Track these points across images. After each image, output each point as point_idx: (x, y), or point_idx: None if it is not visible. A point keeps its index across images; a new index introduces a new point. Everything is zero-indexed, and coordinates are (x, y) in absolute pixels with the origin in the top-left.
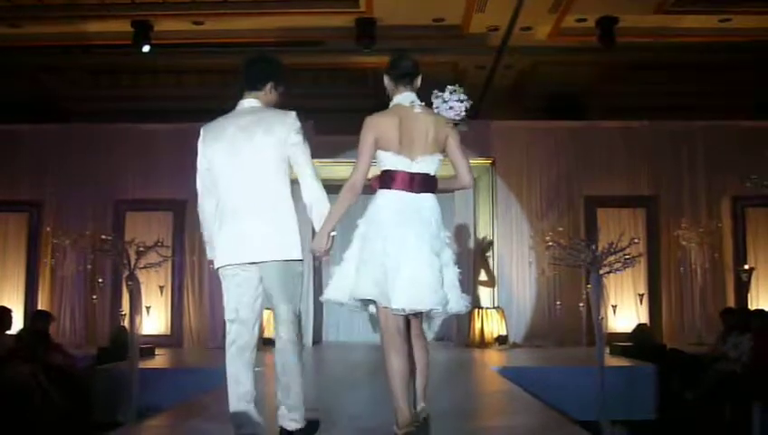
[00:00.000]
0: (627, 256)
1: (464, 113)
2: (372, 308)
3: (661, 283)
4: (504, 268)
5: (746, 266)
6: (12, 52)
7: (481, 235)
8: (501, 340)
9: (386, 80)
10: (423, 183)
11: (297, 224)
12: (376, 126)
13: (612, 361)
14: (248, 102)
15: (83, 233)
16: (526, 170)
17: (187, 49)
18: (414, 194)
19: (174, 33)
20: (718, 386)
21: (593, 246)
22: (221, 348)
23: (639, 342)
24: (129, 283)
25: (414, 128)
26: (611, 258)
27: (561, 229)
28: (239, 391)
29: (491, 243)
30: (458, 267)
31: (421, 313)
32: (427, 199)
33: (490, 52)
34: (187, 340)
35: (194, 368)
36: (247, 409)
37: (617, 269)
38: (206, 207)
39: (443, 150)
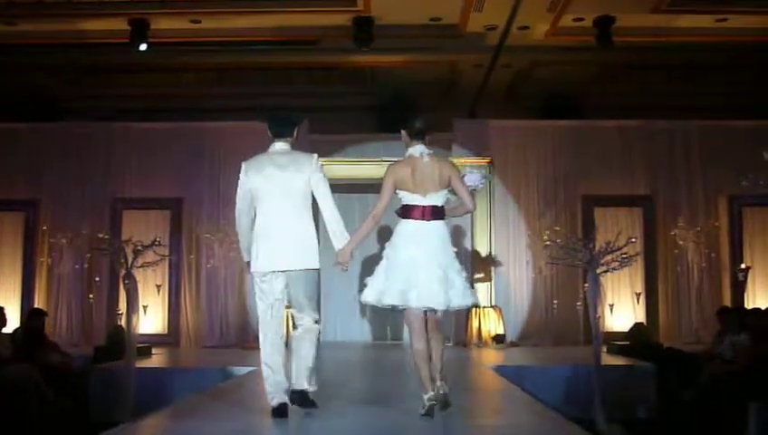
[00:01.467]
0: (624, 255)
1: (479, 183)
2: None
3: (658, 282)
4: (502, 267)
5: (743, 265)
6: (8, 50)
7: (478, 234)
8: (498, 339)
9: (403, 134)
10: (432, 213)
11: (317, 240)
12: (396, 172)
13: (609, 359)
14: (279, 146)
15: (80, 232)
16: (523, 169)
17: (184, 47)
18: (425, 221)
19: (171, 31)
20: (715, 385)
21: (590, 246)
22: (218, 347)
23: (636, 341)
24: (126, 282)
25: (424, 173)
26: (608, 257)
27: (558, 228)
28: (272, 371)
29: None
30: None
31: (434, 310)
32: (436, 225)
33: (487, 51)
34: (183, 339)
35: (191, 367)
36: (279, 383)
37: (614, 268)
38: (243, 224)
39: (448, 186)
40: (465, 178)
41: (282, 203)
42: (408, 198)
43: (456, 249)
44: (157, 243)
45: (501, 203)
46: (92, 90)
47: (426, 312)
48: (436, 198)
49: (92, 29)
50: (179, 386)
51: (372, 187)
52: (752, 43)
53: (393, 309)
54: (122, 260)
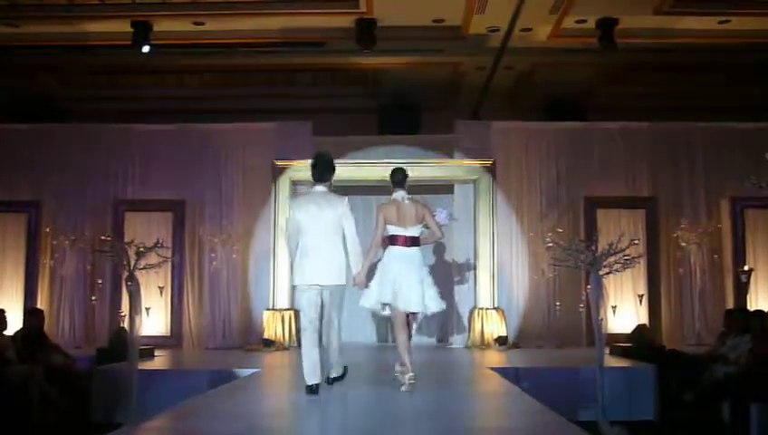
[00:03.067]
0: (626, 257)
1: (447, 221)
2: (386, 310)
3: (661, 284)
4: (504, 269)
5: (745, 267)
6: (11, 51)
7: (480, 236)
8: (500, 340)
9: (390, 182)
10: (411, 241)
11: (346, 261)
12: (384, 211)
13: (612, 361)
14: (319, 188)
15: (83, 233)
16: (526, 171)
17: (186, 49)
18: (406, 248)
19: (174, 33)
20: (717, 387)
21: (593, 247)
22: (220, 349)
23: (639, 342)
24: (129, 283)
25: (404, 212)
26: (611, 259)
27: (560, 230)
28: (310, 359)
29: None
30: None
31: (411, 313)
32: (415, 250)
33: (490, 53)
34: (186, 341)
35: (193, 369)
36: (315, 367)
37: (616, 270)
38: (293, 248)
39: (422, 222)
40: (436, 216)
41: (320, 234)
42: (394, 229)
43: (427, 268)
44: (159, 245)
45: (503, 205)
46: (95, 91)
47: (407, 314)
48: (414, 230)
49: (95, 31)
50: (182, 388)
51: (375, 188)
52: (754, 44)
53: (384, 309)
54: (125, 262)
